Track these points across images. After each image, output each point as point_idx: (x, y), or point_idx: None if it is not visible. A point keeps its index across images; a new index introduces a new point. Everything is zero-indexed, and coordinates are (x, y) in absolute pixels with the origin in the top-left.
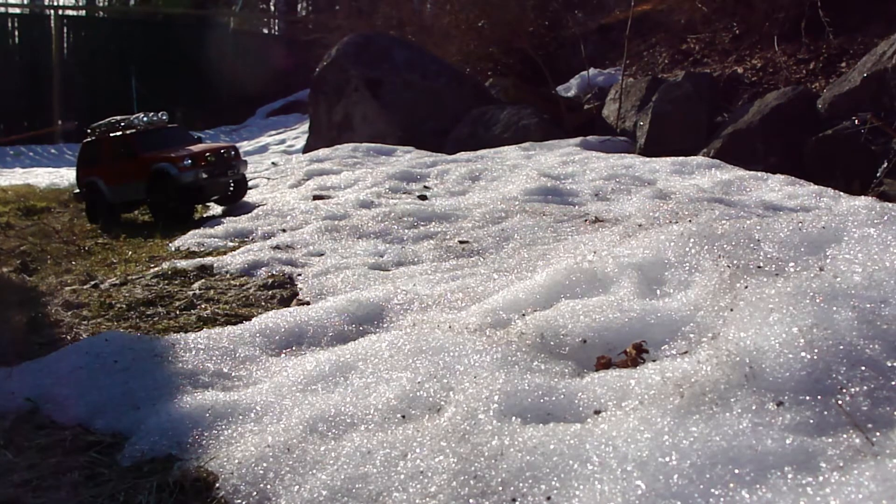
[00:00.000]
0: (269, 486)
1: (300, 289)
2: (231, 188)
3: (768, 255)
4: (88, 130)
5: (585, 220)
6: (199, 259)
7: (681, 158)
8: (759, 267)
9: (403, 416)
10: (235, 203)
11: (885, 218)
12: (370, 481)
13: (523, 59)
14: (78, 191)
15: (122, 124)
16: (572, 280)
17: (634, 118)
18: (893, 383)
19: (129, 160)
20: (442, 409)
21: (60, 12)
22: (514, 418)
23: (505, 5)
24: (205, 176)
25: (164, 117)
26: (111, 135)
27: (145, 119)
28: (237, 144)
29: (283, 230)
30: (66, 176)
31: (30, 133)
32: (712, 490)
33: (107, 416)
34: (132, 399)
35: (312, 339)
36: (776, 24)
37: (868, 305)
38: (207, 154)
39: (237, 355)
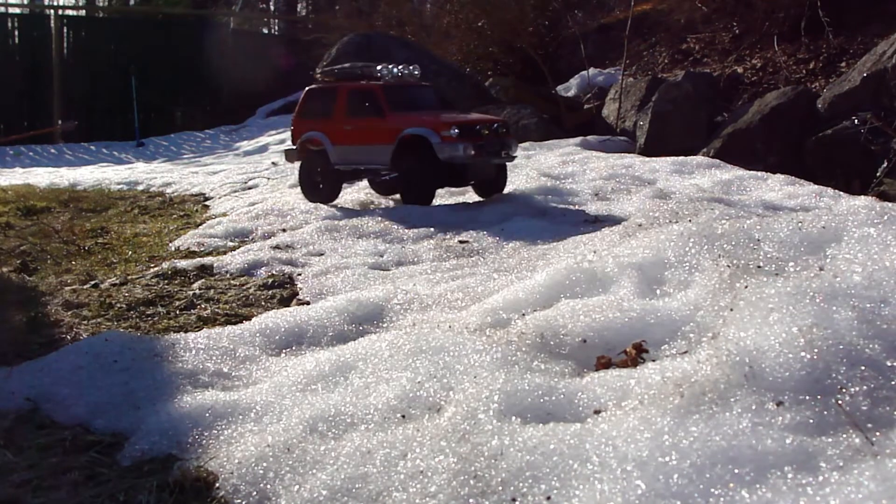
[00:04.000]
0: (269, 486)
1: (300, 288)
2: (495, 174)
3: (768, 255)
4: (318, 74)
5: (585, 220)
6: (199, 259)
7: (681, 158)
8: (759, 267)
9: (403, 416)
10: (497, 194)
11: (885, 218)
12: (370, 481)
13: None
14: (290, 148)
15: (362, 72)
16: (572, 280)
17: (634, 118)
18: (893, 383)
19: (373, 118)
20: (442, 409)
21: (60, 12)
22: (514, 418)
23: (505, 5)
24: (472, 152)
25: (417, 72)
26: (349, 84)
27: (395, 71)
28: (237, 144)
29: (283, 230)
30: (65, 176)
31: (30, 133)
32: (712, 490)
33: (107, 416)
34: (132, 399)
35: (312, 338)
36: (776, 23)
37: (868, 305)
38: (479, 126)
39: (237, 355)
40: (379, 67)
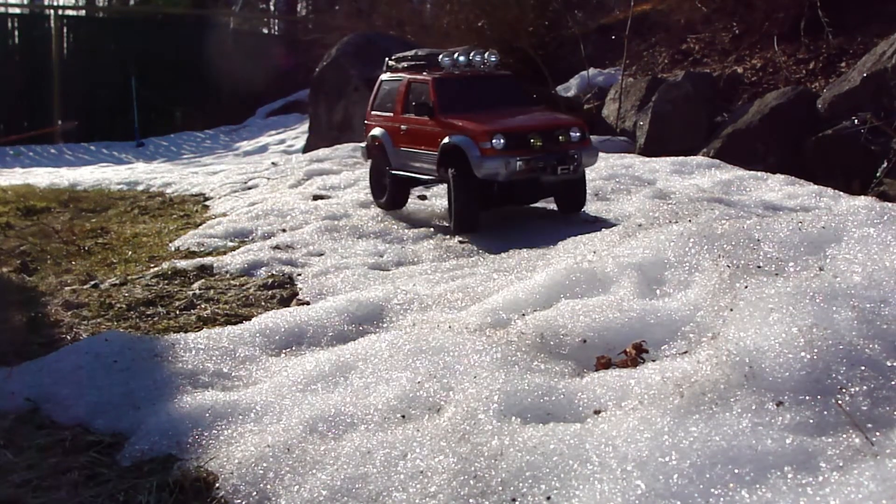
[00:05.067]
0: (268, 486)
1: (300, 289)
2: (563, 190)
3: (768, 255)
4: (391, 61)
5: (585, 220)
6: (199, 259)
7: (681, 158)
8: (759, 267)
9: (403, 416)
10: (574, 212)
11: (885, 218)
12: (370, 481)
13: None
14: (365, 144)
15: (427, 60)
16: (572, 280)
17: (634, 118)
18: (893, 383)
19: (423, 118)
20: (442, 409)
21: (60, 12)
22: (514, 418)
23: (505, 5)
24: (520, 168)
25: (493, 59)
26: (410, 76)
27: (460, 59)
28: (237, 144)
29: (283, 230)
30: (65, 176)
31: (30, 133)
32: (712, 490)
33: (107, 416)
34: (132, 399)
35: (312, 339)
36: (776, 23)
37: (868, 305)
38: (532, 133)
39: (237, 355)
40: (442, 54)
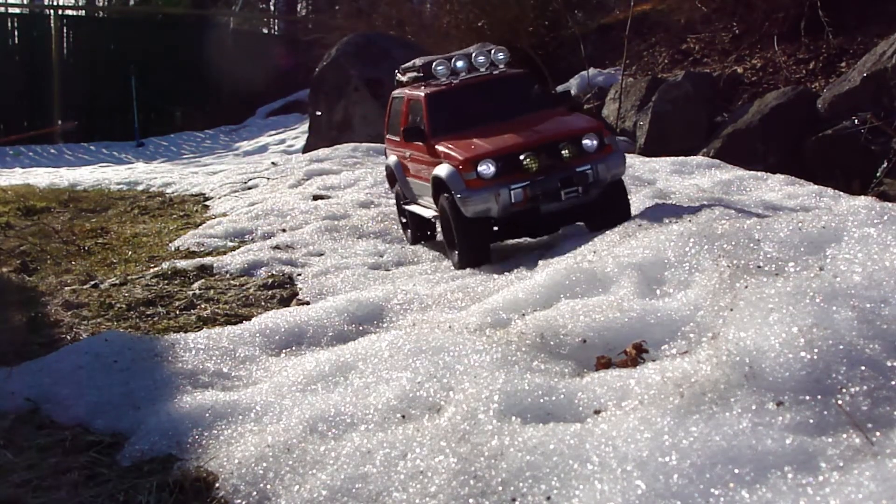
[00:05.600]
0: (268, 486)
1: (300, 289)
2: (588, 213)
3: (768, 255)
4: (399, 73)
5: None
6: (199, 259)
7: (681, 158)
8: (759, 267)
9: (403, 416)
10: (611, 228)
11: (885, 218)
12: (370, 481)
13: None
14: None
15: (423, 71)
16: (572, 280)
17: (634, 118)
18: (893, 383)
19: (419, 144)
20: (442, 409)
21: (60, 12)
22: (514, 418)
23: (505, 5)
24: (518, 197)
25: (501, 56)
26: (412, 91)
27: (458, 65)
28: (237, 144)
29: (283, 230)
30: (65, 176)
31: (30, 133)
32: (712, 490)
33: (107, 416)
34: (132, 399)
35: (312, 339)
36: (776, 23)
37: (868, 305)
38: (523, 151)
39: (237, 355)
40: (435, 63)
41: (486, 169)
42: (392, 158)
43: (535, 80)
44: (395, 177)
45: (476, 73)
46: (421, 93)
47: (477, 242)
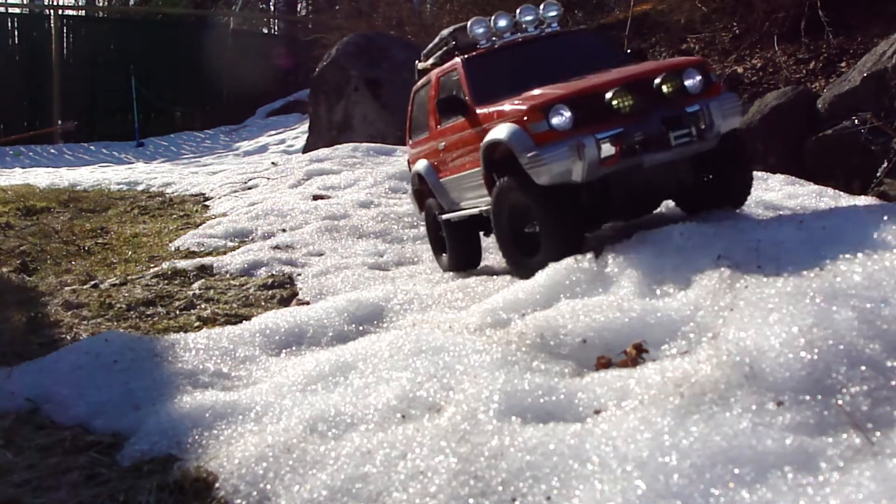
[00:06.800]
0: (269, 486)
1: (300, 289)
2: (702, 176)
3: (768, 255)
4: (419, 62)
5: None
6: (198, 259)
7: None
8: (759, 267)
9: (403, 416)
10: (731, 208)
11: (886, 218)
12: (370, 481)
13: None
14: (411, 188)
15: (454, 40)
16: (572, 280)
17: None
18: (893, 383)
19: (459, 120)
20: (442, 409)
21: (60, 12)
22: (514, 418)
23: (505, 6)
24: (609, 150)
25: (553, 12)
26: (441, 67)
27: (502, 24)
28: (237, 145)
29: (283, 230)
30: (65, 176)
31: (30, 133)
32: (712, 490)
33: (107, 416)
34: (132, 399)
35: (312, 339)
36: (776, 23)
37: (868, 305)
38: (613, 90)
39: (237, 355)
40: (471, 22)
41: (561, 118)
42: (421, 164)
43: (603, 35)
44: (423, 191)
45: (521, 35)
46: (457, 60)
47: (568, 229)
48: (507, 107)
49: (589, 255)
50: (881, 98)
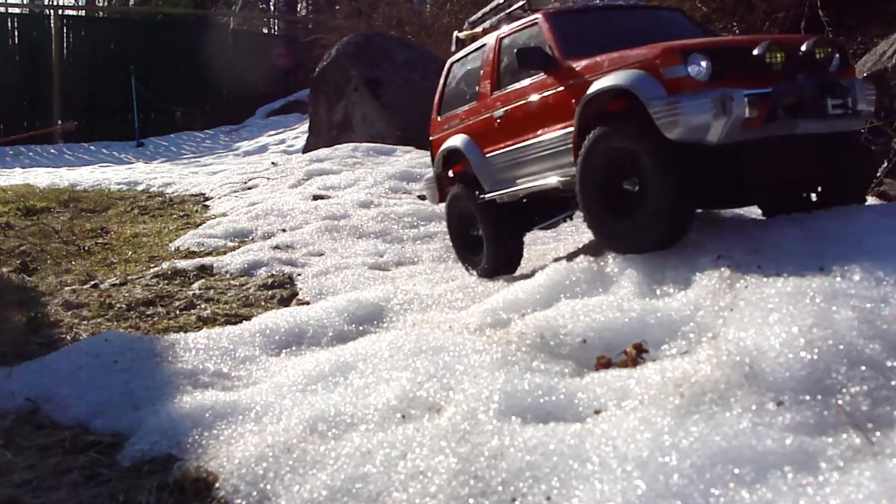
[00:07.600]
0: (269, 486)
1: (300, 289)
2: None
3: (768, 255)
4: (461, 34)
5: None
6: (198, 259)
7: None
8: (759, 267)
9: (403, 416)
10: (843, 206)
11: (885, 218)
12: (370, 481)
13: None
14: (429, 178)
15: (527, 2)
16: (572, 280)
17: None
18: (893, 383)
19: (539, 77)
20: (442, 409)
21: (60, 12)
22: (514, 418)
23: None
24: (752, 110)
25: None
26: (507, 27)
27: None
28: (237, 145)
29: (283, 230)
30: (65, 176)
31: (30, 133)
32: (712, 490)
33: (107, 416)
34: (132, 399)
35: (312, 339)
36: (776, 24)
37: (868, 305)
38: (762, 47)
39: (237, 355)
40: None
41: (699, 66)
42: (457, 139)
43: (681, 12)
44: (454, 174)
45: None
46: (537, 15)
47: (683, 199)
48: (630, 53)
49: (590, 255)
50: (881, 98)
